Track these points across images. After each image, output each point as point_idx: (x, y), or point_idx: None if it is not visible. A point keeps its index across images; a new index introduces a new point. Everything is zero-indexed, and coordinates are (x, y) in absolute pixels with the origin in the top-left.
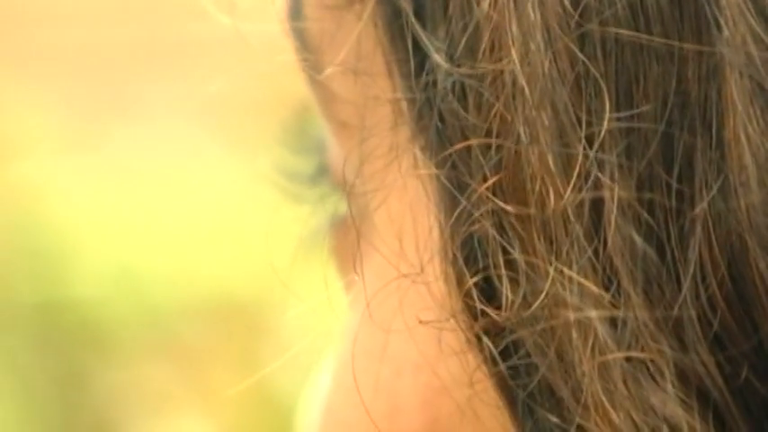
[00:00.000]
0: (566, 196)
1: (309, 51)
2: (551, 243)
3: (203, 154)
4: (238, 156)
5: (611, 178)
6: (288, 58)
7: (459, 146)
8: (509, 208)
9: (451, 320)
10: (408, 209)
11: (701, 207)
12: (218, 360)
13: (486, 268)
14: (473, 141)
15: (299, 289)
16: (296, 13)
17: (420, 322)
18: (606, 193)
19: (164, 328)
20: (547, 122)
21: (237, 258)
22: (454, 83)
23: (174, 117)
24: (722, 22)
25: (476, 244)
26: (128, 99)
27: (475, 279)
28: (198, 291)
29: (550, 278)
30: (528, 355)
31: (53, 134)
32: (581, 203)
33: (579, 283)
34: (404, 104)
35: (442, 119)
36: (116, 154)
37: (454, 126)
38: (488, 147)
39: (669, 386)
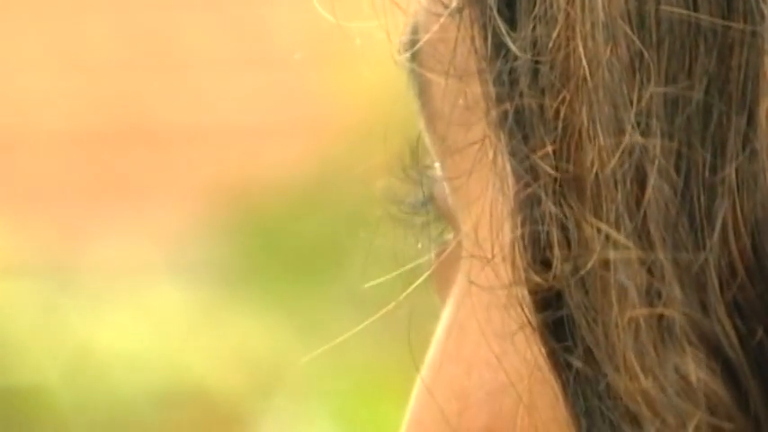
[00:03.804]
0: (612, 161)
1: (421, 66)
2: (599, 206)
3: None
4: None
5: (653, 143)
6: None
7: (529, 118)
8: (564, 173)
9: (508, 291)
10: (488, 206)
11: (730, 176)
12: None
13: (543, 233)
14: (542, 115)
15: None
16: (413, 31)
17: (471, 283)
18: (647, 160)
19: (124, 415)
20: (603, 102)
21: (203, 348)
22: (530, 71)
23: (133, 237)
24: (763, 4)
25: (536, 214)
26: (85, 223)
27: (530, 240)
28: (160, 378)
29: (596, 239)
30: (575, 324)
31: (10, 250)
32: (626, 172)
33: (618, 243)
34: (489, 99)
35: (519, 108)
36: (72, 271)
37: (530, 111)
38: (555, 126)
39: (693, 348)
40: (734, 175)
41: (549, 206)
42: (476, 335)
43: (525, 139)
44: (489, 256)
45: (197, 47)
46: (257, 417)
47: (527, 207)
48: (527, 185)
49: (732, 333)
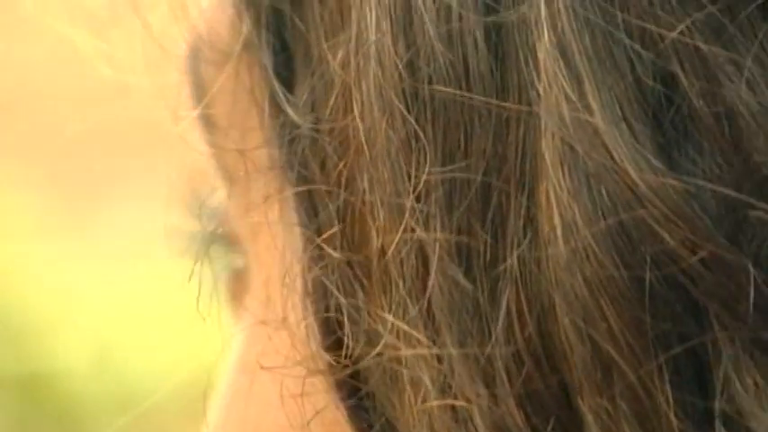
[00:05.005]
0: (392, 246)
1: (201, 104)
2: (382, 290)
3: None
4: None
5: (434, 229)
6: None
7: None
8: (345, 256)
9: (298, 367)
10: (277, 260)
11: (512, 262)
12: None
13: (331, 312)
14: (322, 189)
15: None
16: (193, 67)
17: (262, 368)
18: (428, 245)
19: (143, 404)
20: (382, 177)
21: (216, 341)
22: (310, 138)
23: (153, 199)
24: (538, 84)
25: (325, 292)
26: (107, 181)
27: (320, 325)
28: (180, 369)
29: (384, 329)
30: (375, 402)
31: (33, 214)
32: (408, 254)
33: (403, 331)
34: (272, 163)
35: (300, 171)
36: (96, 235)
37: (310, 177)
38: (336, 198)
39: None
40: (516, 261)
41: (337, 293)
42: (269, 375)
43: (310, 213)
44: (279, 319)
45: None
46: None
47: (316, 291)
48: (315, 266)
49: (523, 425)
